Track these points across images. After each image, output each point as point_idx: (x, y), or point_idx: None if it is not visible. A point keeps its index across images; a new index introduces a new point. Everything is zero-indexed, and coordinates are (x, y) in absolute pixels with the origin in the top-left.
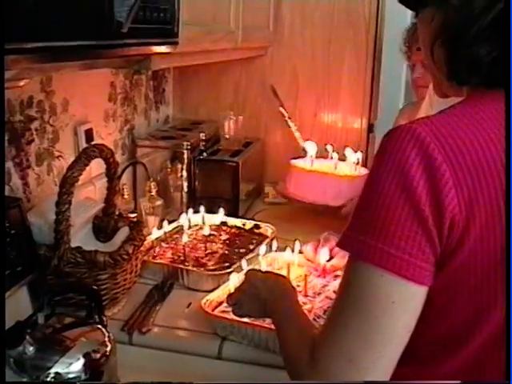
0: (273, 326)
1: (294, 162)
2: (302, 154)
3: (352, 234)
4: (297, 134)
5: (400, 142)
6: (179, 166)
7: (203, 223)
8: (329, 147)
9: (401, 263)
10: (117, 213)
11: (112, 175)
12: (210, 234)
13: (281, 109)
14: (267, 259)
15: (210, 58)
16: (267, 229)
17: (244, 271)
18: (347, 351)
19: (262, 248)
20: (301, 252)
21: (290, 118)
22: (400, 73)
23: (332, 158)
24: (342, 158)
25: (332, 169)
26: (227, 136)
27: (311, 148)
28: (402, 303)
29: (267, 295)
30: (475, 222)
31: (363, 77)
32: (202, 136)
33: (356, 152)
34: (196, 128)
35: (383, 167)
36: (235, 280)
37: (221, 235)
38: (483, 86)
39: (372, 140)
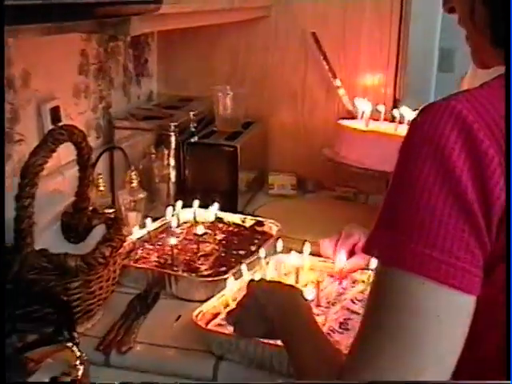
0: (279, 342)
1: (343, 122)
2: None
3: (382, 235)
4: (341, 91)
5: (437, 122)
6: (165, 151)
7: (195, 220)
8: (381, 107)
9: (447, 269)
10: (90, 208)
11: (84, 163)
12: (203, 233)
13: (323, 61)
14: (272, 263)
15: (201, 21)
16: (271, 226)
17: (244, 278)
18: (383, 378)
19: (263, 249)
20: (312, 254)
21: (333, 75)
22: (432, 38)
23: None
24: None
25: (392, 130)
26: (223, 115)
27: (364, 106)
28: (450, 317)
29: (275, 312)
30: None
31: (387, 44)
32: (193, 115)
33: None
34: (185, 106)
35: (417, 153)
36: (233, 287)
37: (216, 234)
38: None
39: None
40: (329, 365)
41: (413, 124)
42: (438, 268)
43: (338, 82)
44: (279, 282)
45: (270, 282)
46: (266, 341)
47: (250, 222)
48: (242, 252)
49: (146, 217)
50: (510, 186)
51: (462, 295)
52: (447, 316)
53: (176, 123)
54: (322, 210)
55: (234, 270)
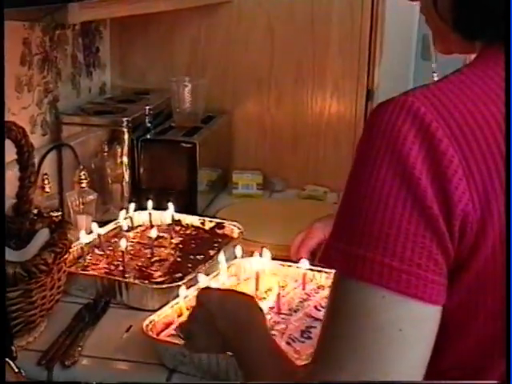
0: None
1: None
2: None
3: (338, 246)
4: None
5: (394, 121)
6: (118, 149)
7: (150, 223)
8: None
9: (408, 278)
10: (35, 211)
11: (25, 162)
12: (159, 237)
13: None
14: (231, 268)
15: (155, 7)
16: (233, 229)
17: (200, 285)
18: None
19: (221, 253)
20: (277, 258)
21: None
22: (411, 22)
23: None
24: None
25: None
26: (181, 109)
27: None
28: (413, 330)
29: (226, 326)
30: (493, 223)
31: (358, 28)
32: (149, 110)
33: None
34: (141, 99)
35: (373, 155)
36: (188, 295)
37: (172, 238)
38: (502, 40)
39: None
40: (289, 379)
41: (369, 122)
42: (399, 278)
43: None
44: (232, 291)
45: (221, 290)
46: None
47: (209, 224)
48: (199, 257)
49: (99, 220)
50: (510, 186)
51: (426, 306)
52: (411, 328)
53: (129, 118)
54: (289, 211)
55: (190, 277)
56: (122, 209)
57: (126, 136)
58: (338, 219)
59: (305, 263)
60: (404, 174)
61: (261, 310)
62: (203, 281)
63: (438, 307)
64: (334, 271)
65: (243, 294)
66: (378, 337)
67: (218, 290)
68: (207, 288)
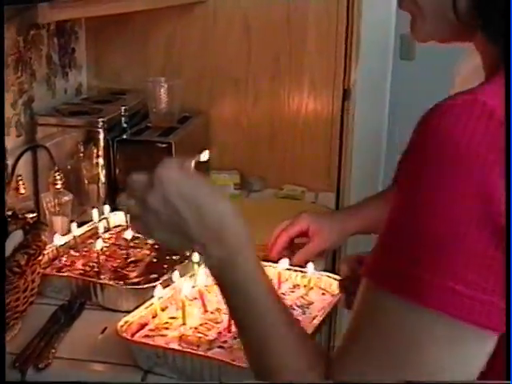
0: (210, 354)
1: None
2: None
3: (393, 267)
4: None
5: (464, 125)
6: (94, 150)
7: (126, 224)
8: None
9: (472, 305)
10: (9, 213)
11: None
12: (134, 238)
13: None
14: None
15: (128, 7)
16: None
17: (175, 285)
18: None
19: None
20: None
21: None
22: (388, 21)
23: None
24: None
25: None
26: (157, 109)
27: None
28: (476, 359)
29: (206, 240)
30: None
31: (334, 27)
32: (124, 110)
33: None
34: (117, 100)
35: (445, 165)
36: (163, 295)
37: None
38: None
39: (348, 110)
40: (306, 349)
41: (429, 127)
42: (463, 305)
43: None
44: (207, 186)
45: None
46: (196, 351)
47: None
48: (176, 257)
49: (72, 221)
50: (510, 186)
51: (492, 335)
52: (475, 358)
53: (105, 119)
54: (267, 211)
55: (165, 277)
56: (93, 208)
57: (102, 136)
58: (392, 232)
59: (283, 263)
60: (478, 187)
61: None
62: (178, 281)
63: (497, 334)
64: (309, 268)
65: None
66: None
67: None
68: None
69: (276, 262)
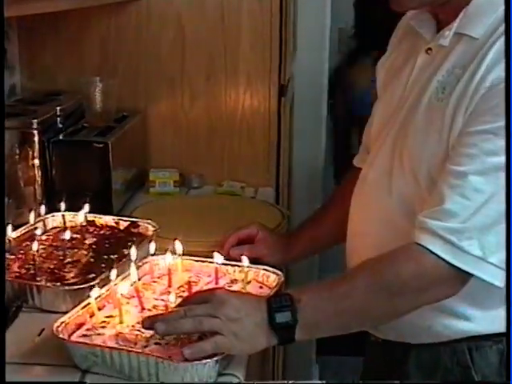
0: (147, 351)
1: None
2: None
3: None
4: None
5: None
6: (30, 151)
7: (64, 225)
8: None
9: None
10: None
11: None
12: (72, 239)
13: None
14: (145, 266)
15: (61, 5)
16: (147, 227)
17: (112, 284)
18: None
19: (134, 251)
20: (189, 254)
21: None
22: (324, 16)
23: None
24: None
25: None
26: (93, 109)
27: None
28: None
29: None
30: None
31: (268, 23)
32: (60, 110)
33: None
34: (52, 100)
35: None
36: (98, 296)
37: (85, 239)
38: None
39: (285, 107)
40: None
41: None
42: None
43: None
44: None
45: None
46: (132, 349)
47: (124, 223)
48: (114, 256)
49: (7, 224)
50: (510, 186)
51: None
52: None
53: (39, 120)
54: (207, 207)
55: (102, 276)
56: (31, 211)
57: (37, 138)
58: None
59: (218, 258)
60: None
61: None
62: (116, 279)
63: None
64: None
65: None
66: None
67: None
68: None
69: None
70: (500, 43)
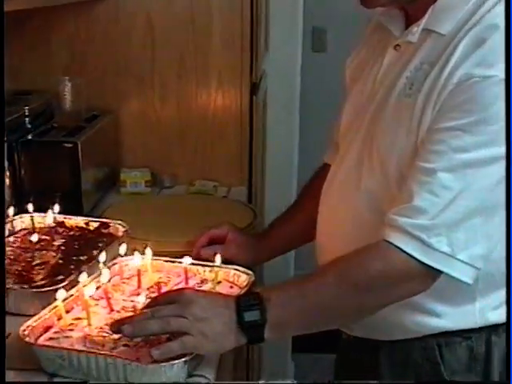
0: (115, 352)
1: None
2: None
3: None
4: None
5: None
6: None
7: (32, 226)
8: None
9: None
10: None
11: None
12: (41, 240)
13: None
14: (115, 267)
15: (26, 4)
16: (118, 227)
17: (80, 286)
18: None
19: (103, 253)
20: (160, 254)
21: None
22: (297, 15)
23: None
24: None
25: None
26: (62, 109)
27: None
28: None
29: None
30: None
31: (239, 21)
32: (28, 110)
33: None
34: (21, 100)
35: None
36: (66, 298)
37: (54, 240)
38: None
39: (257, 105)
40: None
41: None
42: None
43: None
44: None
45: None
46: (100, 351)
47: (94, 224)
48: (83, 257)
49: None
50: (510, 185)
51: None
52: None
53: (6, 120)
54: (178, 207)
55: (71, 278)
56: None
57: (5, 138)
58: None
59: (187, 258)
60: None
61: None
62: (84, 281)
63: None
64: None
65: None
66: None
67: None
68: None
69: (197, 258)
70: (468, 39)
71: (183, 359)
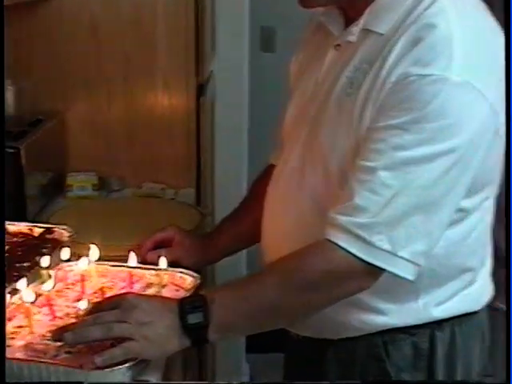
0: (58, 360)
1: None
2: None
3: None
4: None
5: None
6: None
7: None
8: None
9: None
10: None
11: None
12: None
13: None
14: (59, 272)
15: None
16: (62, 232)
17: (22, 293)
18: None
19: (46, 259)
20: (105, 259)
21: None
22: (243, 14)
23: None
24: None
25: None
26: (6, 114)
27: None
28: None
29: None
30: None
31: (184, 22)
32: None
33: None
34: None
35: None
36: (9, 304)
37: None
38: None
39: (205, 106)
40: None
41: None
42: None
43: None
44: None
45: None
46: (41, 359)
47: (38, 230)
48: (26, 264)
49: None
50: (510, 185)
51: None
52: None
53: None
54: (126, 210)
55: (13, 285)
56: None
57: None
58: None
59: (133, 260)
60: None
61: None
62: (25, 288)
63: None
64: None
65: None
66: None
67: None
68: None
69: (143, 262)
70: (405, 38)
71: (126, 365)
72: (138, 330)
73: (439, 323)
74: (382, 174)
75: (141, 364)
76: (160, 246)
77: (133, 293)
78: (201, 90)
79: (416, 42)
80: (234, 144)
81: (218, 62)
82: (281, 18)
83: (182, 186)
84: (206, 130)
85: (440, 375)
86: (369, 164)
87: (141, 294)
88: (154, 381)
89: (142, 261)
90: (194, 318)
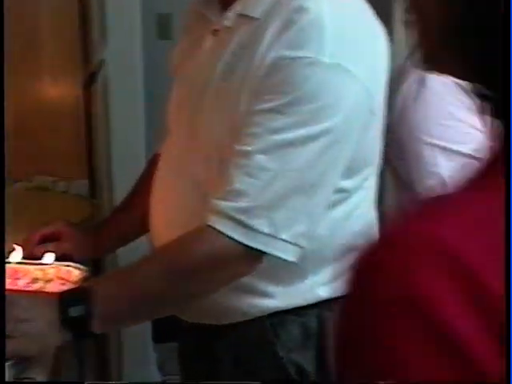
0: None
1: None
2: None
3: None
4: None
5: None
6: None
7: None
8: None
9: None
10: None
11: None
12: None
13: None
14: None
15: None
16: None
17: None
18: None
19: None
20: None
21: None
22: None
23: None
24: None
25: None
26: None
27: None
28: None
29: None
30: None
31: (68, 7)
32: None
33: None
34: None
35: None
36: None
37: None
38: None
39: (95, 96)
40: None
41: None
42: None
43: None
44: None
45: None
46: None
47: None
48: None
49: None
50: (510, 185)
51: None
52: None
53: None
54: (16, 204)
55: None
56: None
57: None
58: None
59: (16, 256)
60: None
61: None
62: None
63: None
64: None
65: None
66: None
67: None
68: None
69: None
70: (278, 22)
71: (7, 363)
72: (17, 328)
73: (327, 302)
74: (259, 157)
75: (23, 362)
76: (47, 240)
77: (12, 290)
78: (91, 78)
79: (288, 25)
80: (130, 133)
81: (109, 49)
82: (178, 4)
83: (74, 178)
84: (99, 120)
85: (330, 354)
86: (245, 148)
87: (20, 290)
88: (39, 378)
89: (29, 256)
90: (75, 311)
